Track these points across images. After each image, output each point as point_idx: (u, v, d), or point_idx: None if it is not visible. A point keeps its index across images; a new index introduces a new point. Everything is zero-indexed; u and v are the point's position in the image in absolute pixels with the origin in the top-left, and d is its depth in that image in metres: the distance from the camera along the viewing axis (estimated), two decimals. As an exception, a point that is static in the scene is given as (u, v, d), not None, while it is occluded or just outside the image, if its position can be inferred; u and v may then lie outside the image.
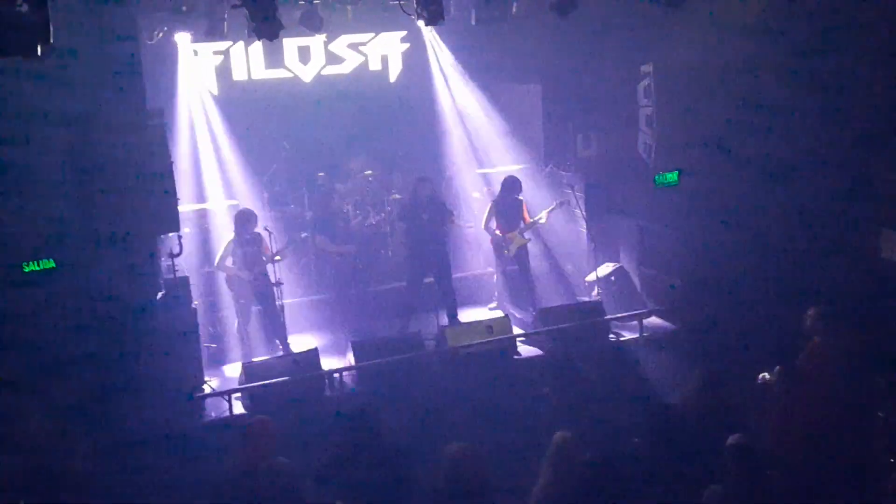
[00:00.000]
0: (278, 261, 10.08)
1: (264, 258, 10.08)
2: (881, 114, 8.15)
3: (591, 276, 11.28)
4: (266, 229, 10.15)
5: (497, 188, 11.42)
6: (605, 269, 11.30)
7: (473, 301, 11.73)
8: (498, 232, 11.12)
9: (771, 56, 9.11)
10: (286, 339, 10.18)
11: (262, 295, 10.20)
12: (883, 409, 6.42)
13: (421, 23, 8.58)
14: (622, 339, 10.19)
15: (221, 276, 10.31)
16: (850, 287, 8.44)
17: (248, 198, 11.55)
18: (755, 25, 9.10)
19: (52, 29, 5.27)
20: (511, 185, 11.04)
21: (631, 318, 10.33)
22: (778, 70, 9.08)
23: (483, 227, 11.29)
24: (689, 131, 10.13)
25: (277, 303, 10.10)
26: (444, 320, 10.58)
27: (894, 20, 7.91)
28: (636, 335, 10.15)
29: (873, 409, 6.57)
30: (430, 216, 10.53)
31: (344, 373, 9.27)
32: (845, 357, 7.25)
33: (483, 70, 12.80)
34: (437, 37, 12.80)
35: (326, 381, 9.17)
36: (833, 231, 8.76)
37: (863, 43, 8.24)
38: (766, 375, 7.26)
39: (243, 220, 10.05)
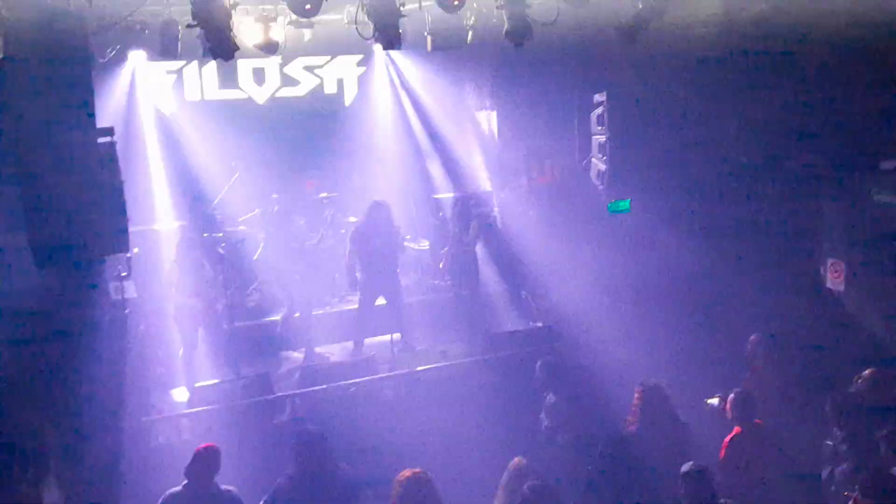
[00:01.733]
0: None
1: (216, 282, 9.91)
2: (829, 147, 8.37)
3: (545, 301, 11.29)
4: (219, 251, 10.01)
5: (449, 213, 11.49)
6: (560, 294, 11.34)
7: (427, 325, 11.70)
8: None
9: (720, 87, 9.33)
10: (237, 362, 10.01)
11: (210, 320, 10.01)
12: (830, 437, 6.51)
13: (378, 47, 8.61)
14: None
15: (167, 301, 10.10)
16: (796, 313, 8.63)
17: (197, 219, 11.38)
18: (706, 57, 9.31)
19: (1, 43, 5.16)
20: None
21: (585, 344, 10.34)
22: (727, 102, 9.29)
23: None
24: (641, 159, 10.28)
25: (229, 325, 9.92)
26: (398, 345, 10.52)
27: (843, 55, 8.13)
28: (590, 361, 10.18)
29: (820, 435, 6.67)
30: (383, 240, 10.50)
31: (296, 397, 9.16)
32: (788, 382, 7.41)
33: (440, 95, 12.86)
34: (394, 61, 12.84)
35: (278, 406, 9.03)
36: (781, 260, 8.95)
37: (811, 78, 8.46)
38: (714, 401, 7.36)
39: (187, 245, 9.89)
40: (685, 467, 5.77)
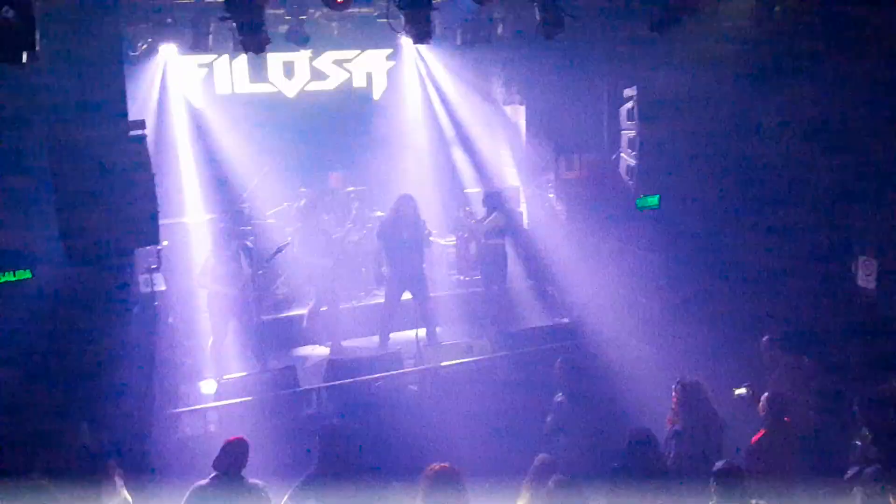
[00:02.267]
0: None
1: (249, 272, 9.98)
2: (861, 143, 8.25)
3: (572, 297, 11.26)
4: (248, 244, 10.07)
5: (477, 208, 11.46)
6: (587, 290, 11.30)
7: (457, 319, 11.72)
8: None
9: (754, 83, 9.22)
10: (265, 355, 10.07)
11: (243, 311, 10.08)
12: (858, 437, 6.43)
13: (407, 41, 8.59)
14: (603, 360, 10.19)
15: (200, 291, 10.20)
16: (827, 311, 8.53)
17: (230, 211, 11.45)
18: (739, 52, 9.20)
19: (38, 37, 5.22)
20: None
21: (611, 340, 10.32)
22: (760, 97, 9.19)
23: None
24: (671, 155, 10.19)
25: (258, 318, 9.99)
26: (424, 339, 10.53)
27: (881, 51, 8.00)
28: (616, 357, 10.14)
29: (848, 435, 6.59)
30: (410, 234, 10.50)
31: (323, 391, 9.20)
32: (813, 380, 7.35)
33: (468, 89, 12.84)
34: (423, 55, 12.83)
35: (305, 398, 9.09)
36: (812, 257, 8.84)
37: (846, 73, 8.34)
38: (742, 391, 7.31)
39: (227, 235, 9.96)
40: (718, 465, 5.74)
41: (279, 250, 10.05)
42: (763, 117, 9.19)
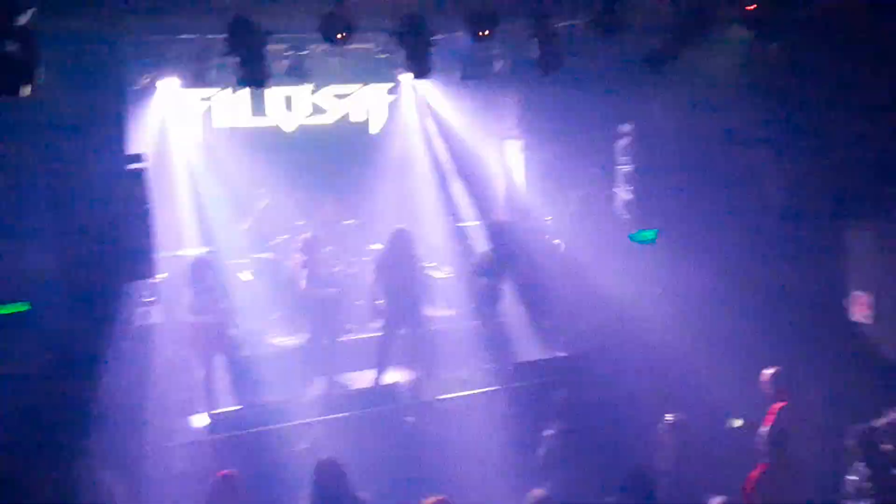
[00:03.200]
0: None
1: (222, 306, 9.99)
2: (853, 179, 8.31)
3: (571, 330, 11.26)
4: (241, 276, 10.08)
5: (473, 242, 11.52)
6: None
7: (451, 354, 11.69)
8: None
9: (746, 118, 9.31)
10: (258, 389, 10.02)
11: (227, 344, 10.06)
12: (853, 472, 6.41)
13: (408, 76, 8.67)
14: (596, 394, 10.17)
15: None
16: (820, 347, 8.54)
17: (225, 245, 11.48)
18: (734, 88, 9.30)
19: (39, 70, 5.27)
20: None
21: (606, 375, 10.31)
22: (753, 133, 9.27)
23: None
24: (665, 190, 10.26)
25: (243, 354, 9.95)
26: (421, 372, 10.51)
27: (871, 82, 8.09)
28: (611, 392, 10.14)
29: (843, 470, 6.58)
30: (406, 268, 10.52)
31: (317, 424, 9.16)
32: (810, 415, 7.33)
33: (465, 124, 12.93)
34: (423, 90, 12.93)
35: (298, 432, 9.05)
36: (805, 292, 8.87)
37: (840, 105, 8.43)
38: (738, 423, 7.29)
39: (200, 267, 9.96)
40: (715, 501, 5.74)
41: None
42: (758, 153, 9.27)
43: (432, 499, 5.79)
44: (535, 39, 8.76)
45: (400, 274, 10.48)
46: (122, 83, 8.37)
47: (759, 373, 7.94)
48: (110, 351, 7.92)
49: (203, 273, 9.92)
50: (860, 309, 8.58)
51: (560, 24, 8.91)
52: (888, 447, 6.45)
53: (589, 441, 7.75)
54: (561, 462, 7.36)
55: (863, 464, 6.36)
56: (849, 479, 6.44)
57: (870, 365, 8.19)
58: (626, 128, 11.08)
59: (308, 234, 11.49)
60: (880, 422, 6.91)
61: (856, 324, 8.55)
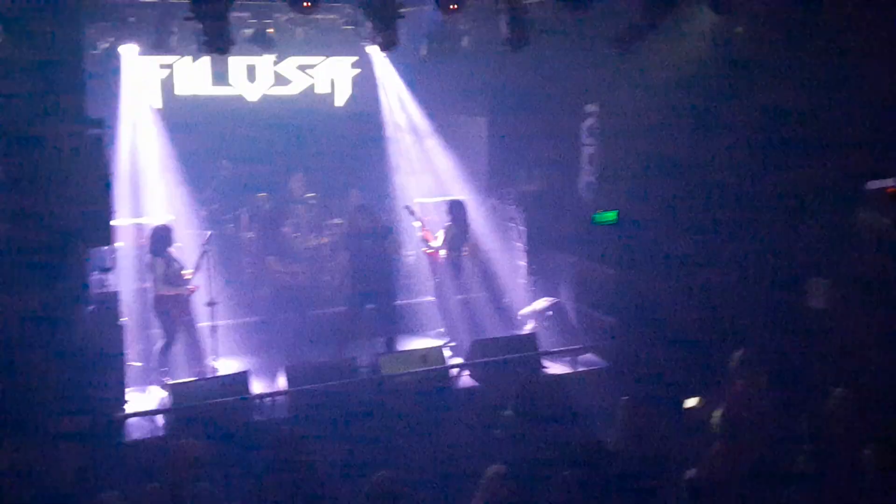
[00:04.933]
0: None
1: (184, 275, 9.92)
2: (815, 166, 8.41)
3: (527, 310, 11.36)
4: (204, 248, 9.97)
5: (436, 216, 11.50)
6: (542, 303, 11.39)
7: (415, 329, 11.73)
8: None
9: (711, 103, 9.37)
10: (207, 359, 9.96)
11: (188, 314, 10.03)
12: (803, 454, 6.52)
13: (373, 49, 8.59)
14: (556, 373, 10.27)
15: (150, 294, 10.07)
16: (778, 332, 8.68)
17: (185, 215, 11.34)
18: (699, 71, 9.35)
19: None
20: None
21: (566, 353, 10.42)
22: (717, 117, 9.33)
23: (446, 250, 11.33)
24: (630, 172, 10.32)
25: (210, 324, 9.89)
26: (382, 348, 10.52)
27: (832, 73, 8.18)
28: (570, 370, 10.25)
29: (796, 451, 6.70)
30: (372, 244, 10.50)
31: (275, 397, 9.12)
32: (767, 400, 7.45)
33: (431, 100, 12.87)
34: (388, 64, 12.83)
35: (256, 405, 9.01)
36: (764, 277, 8.99)
37: (799, 95, 8.51)
38: (693, 402, 7.38)
39: (163, 235, 9.86)
40: (689, 474, 5.78)
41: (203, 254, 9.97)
42: (721, 137, 9.33)
43: (385, 472, 5.80)
44: (504, 16, 8.74)
45: (367, 249, 10.46)
46: (80, 46, 8.16)
47: (716, 354, 8.05)
48: (67, 318, 7.79)
49: (169, 242, 9.84)
50: (816, 295, 8.72)
51: (528, 1, 8.89)
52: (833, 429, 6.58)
53: (547, 420, 7.79)
54: (519, 439, 7.38)
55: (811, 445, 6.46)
56: (799, 461, 6.52)
57: (824, 348, 8.32)
58: (592, 108, 11.10)
59: (266, 205, 11.43)
60: (827, 405, 7.06)
61: (812, 309, 8.69)
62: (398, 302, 11.35)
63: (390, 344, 10.67)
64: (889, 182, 7.88)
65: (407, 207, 11.58)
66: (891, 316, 7.86)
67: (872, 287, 8.07)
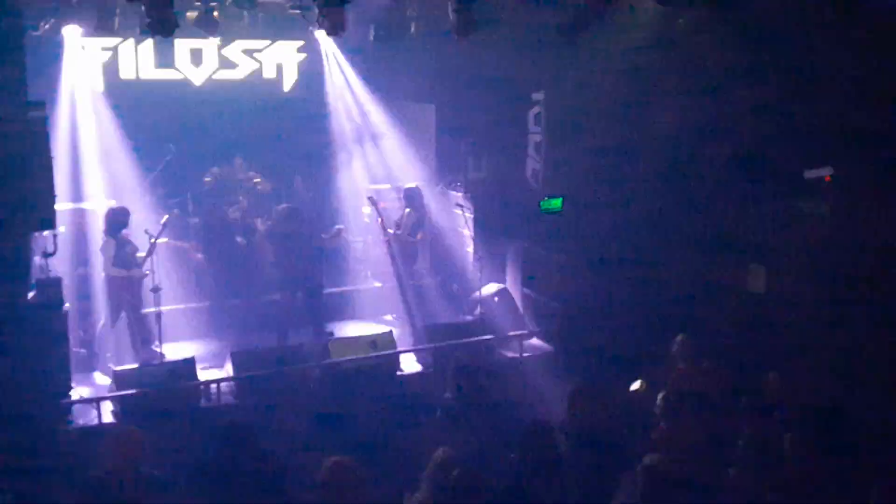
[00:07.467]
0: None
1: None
2: (755, 155, 8.61)
3: (476, 295, 11.45)
4: (147, 233, 9.85)
5: (386, 203, 11.53)
6: (490, 288, 11.49)
7: (361, 315, 11.72)
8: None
9: (655, 92, 9.53)
10: (154, 345, 9.87)
11: (139, 299, 9.92)
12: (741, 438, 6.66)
13: (321, 33, 8.53)
14: (503, 358, 10.37)
15: (98, 279, 9.92)
16: (718, 316, 8.90)
17: (129, 200, 11.15)
18: (643, 60, 9.49)
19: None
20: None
21: (512, 338, 10.54)
22: (661, 106, 9.49)
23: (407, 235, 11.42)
24: (575, 159, 10.45)
25: (154, 309, 9.81)
26: (322, 336, 10.51)
27: (773, 63, 8.37)
28: (516, 355, 10.37)
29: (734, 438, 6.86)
30: (299, 237, 10.53)
31: (221, 384, 9.07)
32: (708, 382, 7.64)
33: (379, 86, 12.83)
34: (334, 50, 12.75)
35: (202, 391, 8.96)
36: (705, 262, 9.20)
37: (740, 84, 8.70)
38: (636, 385, 7.54)
39: (119, 218, 9.76)
40: (647, 460, 5.83)
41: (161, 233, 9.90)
42: (664, 125, 9.50)
43: (335, 458, 5.81)
44: (451, 3, 8.75)
45: (294, 241, 10.51)
46: (20, 27, 7.97)
47: (660, 338, 8.23)
48: (8, 303, 7.64)
49: (124, 225, 9.78)
50: (755, 280, 8.95)
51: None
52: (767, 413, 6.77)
53: (489, 404, 7.88)
54: (463, 422, 7.44)
55: (747, 429, 6.61)
56: (739, 445, 6.65)
57: (762, 331, 8.56)
58: (538, 96, 11.20)
59: (208, 180, 11.33)
60: (763, 389, 7.26)
61: (751, 293, 8.92)
62: (346, 288, 11.36)
63: (319, 333, 10.67)
64: (826, 171, 8.13)
65: (370, 198, 11.58)
66: (826, 300, 8.13)
67: (809, 273, 8.32)
